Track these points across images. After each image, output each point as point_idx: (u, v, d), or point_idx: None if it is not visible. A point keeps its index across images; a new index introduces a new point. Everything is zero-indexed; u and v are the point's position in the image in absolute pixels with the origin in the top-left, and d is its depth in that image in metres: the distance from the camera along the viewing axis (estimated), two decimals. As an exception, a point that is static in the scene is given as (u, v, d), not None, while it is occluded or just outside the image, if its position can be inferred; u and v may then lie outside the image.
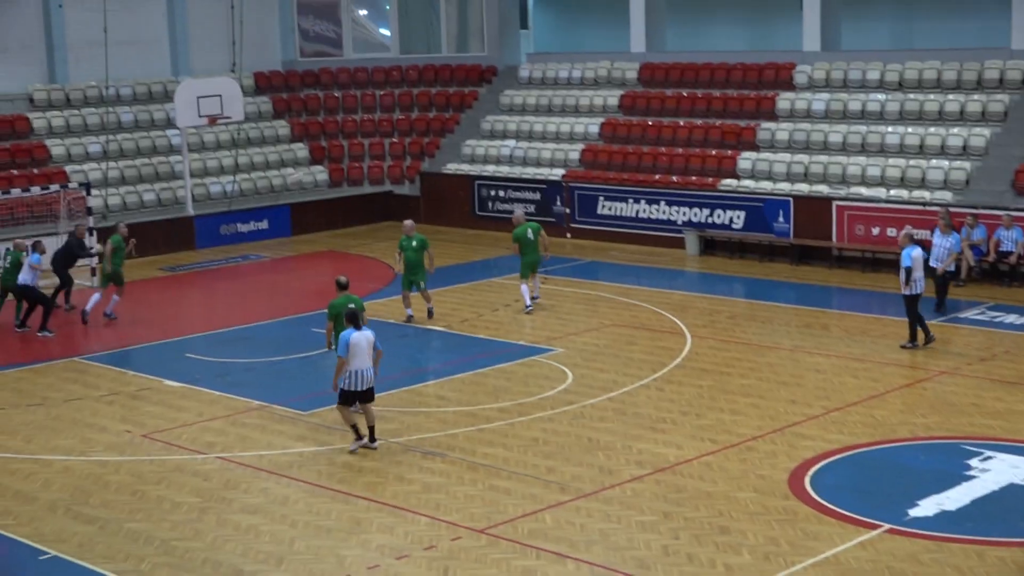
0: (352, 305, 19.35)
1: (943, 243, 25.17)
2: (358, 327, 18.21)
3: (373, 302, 28.00)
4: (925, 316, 23.29)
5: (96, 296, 27.12)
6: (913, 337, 23.02)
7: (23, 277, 25.93)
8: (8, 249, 27.62)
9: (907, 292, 22.85)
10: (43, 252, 26.48)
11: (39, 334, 25.87)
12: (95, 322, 26.74)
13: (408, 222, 26.60)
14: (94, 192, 33.54)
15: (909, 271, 22.65)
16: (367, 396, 18.40)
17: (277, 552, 15.09)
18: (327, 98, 41.99)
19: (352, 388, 18.23)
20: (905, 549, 14.57)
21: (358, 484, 17.22)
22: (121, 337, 26.08)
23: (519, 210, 28.65)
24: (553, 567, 14.41)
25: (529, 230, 26.85)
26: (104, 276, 27.24)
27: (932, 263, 24.98)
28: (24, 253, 26.21)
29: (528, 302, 26.74)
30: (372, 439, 18.56)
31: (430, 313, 26.11)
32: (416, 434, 19.19)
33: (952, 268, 25.63)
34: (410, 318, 25.95)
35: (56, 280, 27.59)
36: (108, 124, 37.34)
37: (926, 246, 24.82)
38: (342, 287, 20.56)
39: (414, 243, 26.02)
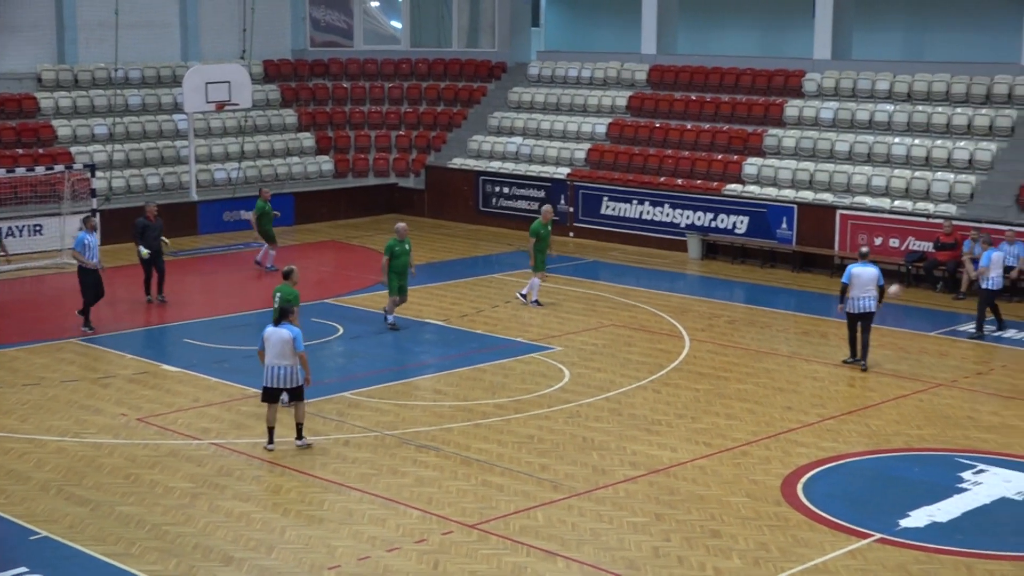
0: (279, 295, 19.56)
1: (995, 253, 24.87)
2: (275, 323, 18.03)
3: (373, 295, 28.04)
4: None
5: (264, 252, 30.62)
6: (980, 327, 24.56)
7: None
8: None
9: (984, 286, 24.38)
10: (93, 229, 25.04)
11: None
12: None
13: (402, 225, 25.30)
14: (99, 174, 33.53)
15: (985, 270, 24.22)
16: (293, 394, 18.10)
17: (268, 540, 15.11)
18: (335, 88, 41.99)
19: (264, 383, 18.11)
20: (894, 559, 14.58)
21: (351, 475, 17.24)
22: (120, 320, 26.08)
23: (548, 206, 28.22)
24: (543, 564, 14.42)
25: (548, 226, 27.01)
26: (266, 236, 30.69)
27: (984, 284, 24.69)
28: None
29: (536, 297, 26.81)
30: (297, 435, 18.26)
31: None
32: (411, 427, 19.20)
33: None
34: (393, 325, 25.07)
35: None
36: (116, 106, 37.35)
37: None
38: (284, 276, 20.50)
39: (407, 247, 24.95)
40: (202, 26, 40.29)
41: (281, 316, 18.03)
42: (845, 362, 22.62)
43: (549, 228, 27.02)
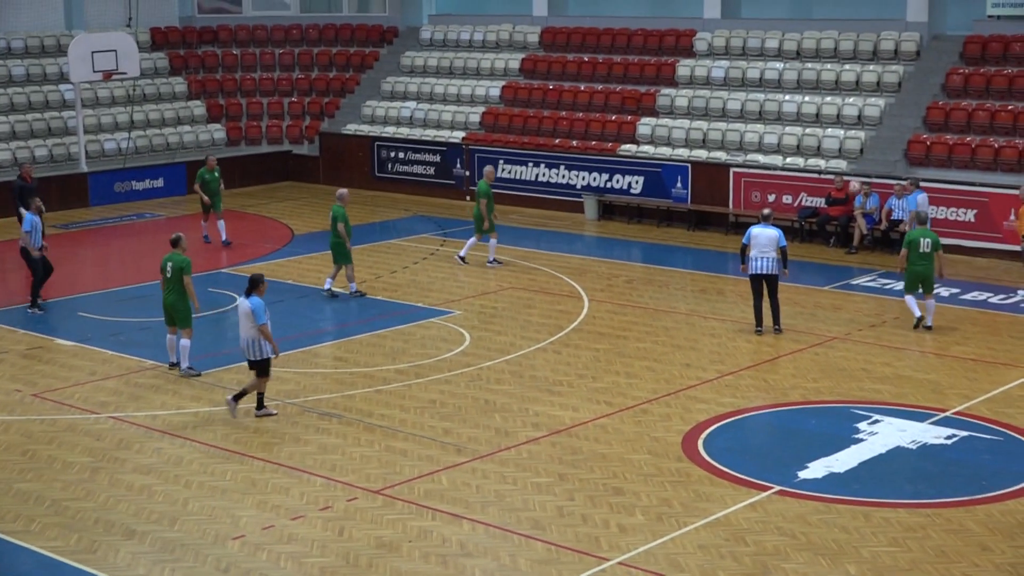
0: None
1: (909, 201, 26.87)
2: (247, 294, 17.99)
3: (271, 263, 27.84)
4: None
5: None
6: None
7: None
8: None
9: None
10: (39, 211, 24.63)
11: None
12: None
13: (344, 191, 25.57)
14: (-16, 147, 32.85)
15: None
16: (254, 366, 18.08)
17: (171, 512, 14.99)
18: (225, 55, 41.45)
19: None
20: (794, 510, 14.84)
21: (254, 445, 17.13)
22: (11, 294, 25.61)
23: (489, 166, 28.78)
24: (449, 528, 14.47)
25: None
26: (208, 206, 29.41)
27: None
28: None
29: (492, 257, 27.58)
30: (232, 397, 18.16)
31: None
32: (313, 395, 19.13)
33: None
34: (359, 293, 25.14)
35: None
36: (-1, 78, 36.58)
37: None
38: (172, 244, 20.05)
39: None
40: (87, -6, 39.54)
41: (251, 286, 18.00)
42: (757, 332, 22.17)
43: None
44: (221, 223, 29.50)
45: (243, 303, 17.98)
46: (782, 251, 21.96)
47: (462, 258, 27.51)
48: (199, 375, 20.10)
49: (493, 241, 27.39)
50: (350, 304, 24.63)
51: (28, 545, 14.18)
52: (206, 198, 29.32)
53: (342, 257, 24.79)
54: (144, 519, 14.81)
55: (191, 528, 14.56)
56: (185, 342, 20.02)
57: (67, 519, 14.84)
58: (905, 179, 27.92)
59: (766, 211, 22.67)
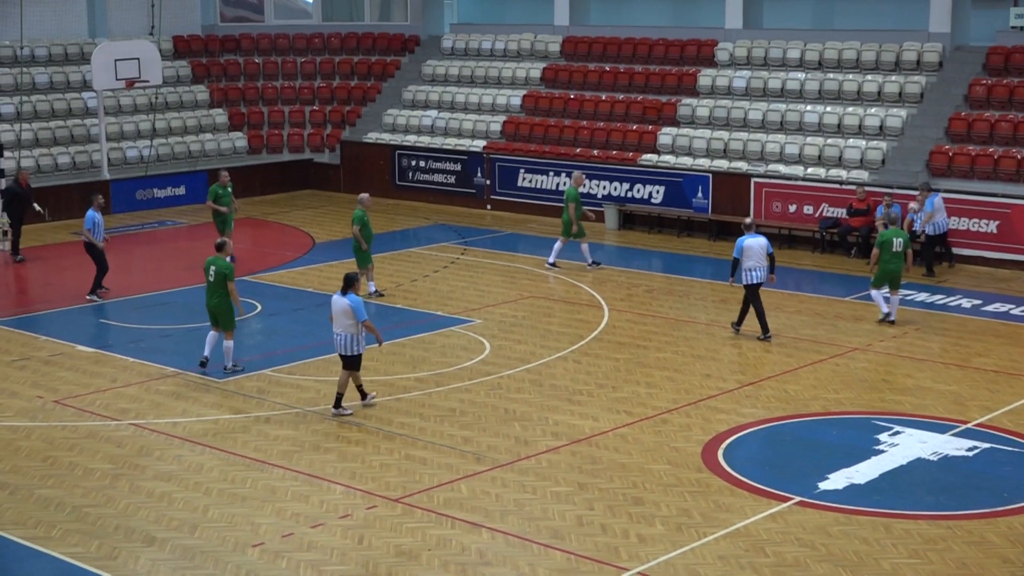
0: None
1: (926, 207, 27.27)
2: (342, 292, 18.44)
3: (291, 271, 27.92)
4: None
5: None
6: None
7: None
8: None
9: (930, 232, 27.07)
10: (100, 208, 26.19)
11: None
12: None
13: (366, 195, 26.01)
14: (6, 154, 32.96)
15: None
16: (345, 362, 18.57)
17: (191, 519, 15.01)
18: (247, 64, 41.58)
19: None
20: (814, 521, 14.79)
21: (273, 453, 17.16)
22: (34, 301, 25.73)
23: (578, 172, 29.57)
24: (468, 536, 14.46)
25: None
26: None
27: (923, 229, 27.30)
28: None
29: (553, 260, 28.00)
30: (335, 404, 18.67)
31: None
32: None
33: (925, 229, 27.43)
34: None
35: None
36: (22, 85, 36.70)
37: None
38: (217, 248, 20.78)
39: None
40: (109, 2, 39.66)
41: (346, 285, 18.42)
42: (767, 338, 22.33)
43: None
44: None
45: (340, 301, 18.41)
46: (771, 257, 22.28)
47: (552, 264, 27.81)
48: (243, 370, 20.57)
49: (585, 245, 27.82)
50: (369, 312, 24.60)
51: (49, 551, 14.22)
52: (223, 208, 28.40)
53: (360, 260, 25.15)
54: (164, 526, 14.84)
55: (211, 535, 14.58)
56: (228, 343, 20.57)
57: (88, 525, 14.88)
58: (916, 188, 27.92)
59: (748, 220, 23.00)
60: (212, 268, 20.35)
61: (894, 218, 23.76)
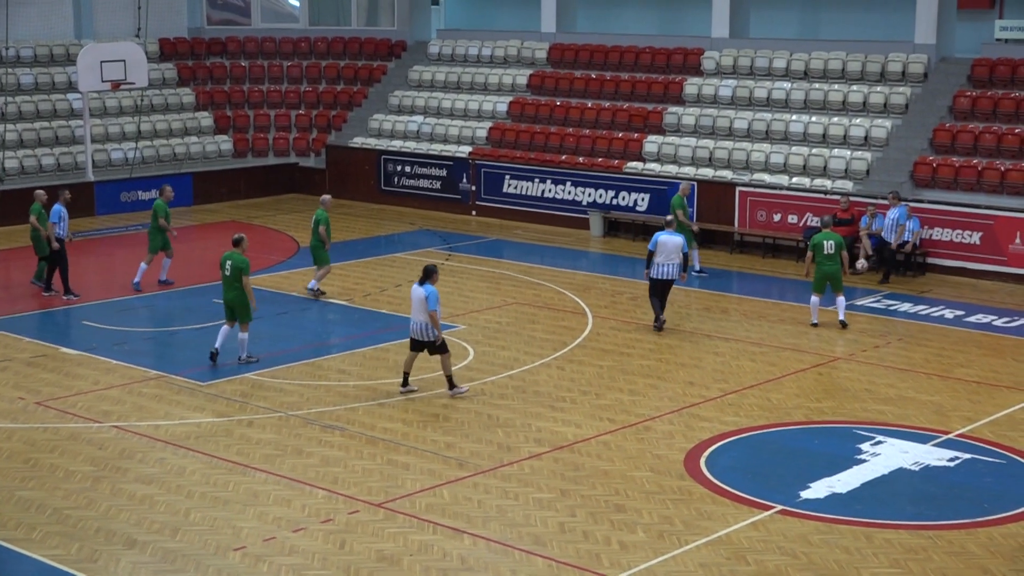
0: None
1: (891, 215, 27.79)
2: (420, 282, 19.25)
3: (275, 274, 27.88)
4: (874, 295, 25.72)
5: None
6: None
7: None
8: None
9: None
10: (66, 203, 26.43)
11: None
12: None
13: (328, 196, 26.75)
14: (-8, 154, 32.94)
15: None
16: (430, 348, 19.39)
17: (172, 522, 14.98)
18: (233, 67, 41.54)
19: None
20: (796, 530, 14.83)
21: (256, 456, 17.13)
22: (16, 303, 25.65)
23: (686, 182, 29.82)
24: (450, 542, 14.46)
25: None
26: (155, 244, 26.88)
27: (885, 236, 27.76)
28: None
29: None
30: (449, 386, 19.54)
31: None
32: (316, 407, 19.13)
33: (902, 239, 27.80)
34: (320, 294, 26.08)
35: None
36: (7, 86, 36.62)
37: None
38: (234, 243, 21.32)
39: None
40: (95, 3, 39.62)
41: (424, 275, 19.28)
42: (655, 327, 23.48)
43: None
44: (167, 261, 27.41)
45: (417, 290, 19.21)
46: (685, 256, 23.42)
47: (700, 271, 28.33)
48: (257, 362, 21.13)
49: (695, 252, 27.97)
50: (353, 317, 24.64)
51: (29, 553, 14.18)
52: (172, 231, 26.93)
53: (321, 260, 25.68)
54: (146, 529, 14.81)
55: (192, 539, 14.55)
56: (243, 335, 21.11)
57: (69, 528, 14.84)
58: (888, 194, 28.14)
59: (669, 217, 24.46)
60: (228, 263, 20.92)
61: (827, 222, 24.13)
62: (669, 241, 23.12)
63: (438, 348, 19.42)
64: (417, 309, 19.25)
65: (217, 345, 21.09)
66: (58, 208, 25.82)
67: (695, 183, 30.75)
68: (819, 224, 24.57)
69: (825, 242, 23.50)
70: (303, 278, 27.32)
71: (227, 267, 20.90)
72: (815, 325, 23.70)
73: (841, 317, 23.72)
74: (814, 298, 23.88)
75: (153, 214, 26.72)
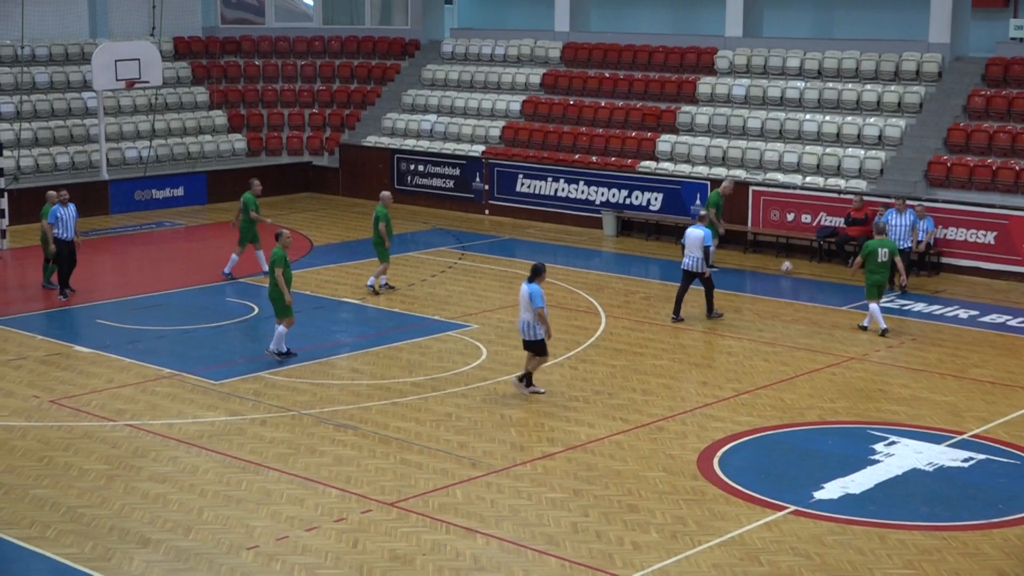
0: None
1: (901, 221, 26.86)
2: (529, 280, 19.17)
3: (289, 273, 27.84)
4: (888, 295, 25.16)
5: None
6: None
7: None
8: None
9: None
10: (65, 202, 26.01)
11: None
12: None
13: (388, 193, 27.10)
14: (6, 153, 32.97)
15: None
16: (528, 346, 19.41)
17: (185, 521, 15.01)
18: (247, 66, 41.59)
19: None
20: (809, 531, 14.80)
21: (269, 455, 17.15)
22: (31, 301, 25.72)
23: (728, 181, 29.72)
24: (463, 541, 14.46)
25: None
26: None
27: (901, 243, 26.54)
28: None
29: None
30: (526, 382, 19.63)
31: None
32: (329, 406, 19.14)
33: (908, 244, 26.94)
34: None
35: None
36: (22, 84, 36.71)
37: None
38: (276, 238, 21.34)
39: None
40: (110, 2, 39.70)
41: (533, 274, 19.22)
42: (674, 320, 24.07)
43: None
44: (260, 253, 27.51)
45: (524, 289, 19.15)
46: (706, 251, 23.68)
47: (712, 267, 28.14)
48: (296, 356, 21.34)
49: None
50: (366, 316, 24.67)
51: (43, 551, 14.22)
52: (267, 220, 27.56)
53: (381, 256, 25.89)
54: (159, 527, 14.84)
55: (205, 537, 14.57)
56: (281, 329, 21.20)
57: (82, 526, 14.87)
58: (895, 200, 27.62)
59: (702, 212, 25.16)
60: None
61: (882, 227, 23.94)
62: (691, 235, 23.63)
63: (537, 349, 19.40)
64: (524, 307, 19.23)
65: (281, 347, 21.37)
66: (55, 209, 25.59)
67: (733, 179, 30.32)
68: (873, 229, 24.26)
69: (880, 249, 23.15)
70: (316, 277, 27.37)
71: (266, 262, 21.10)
72: (885, 331, 23.13)
73: (866, 323, 23.54)
74: (873, 305, 23.29)
75: (244, 207, 27.12)
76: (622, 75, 36.47)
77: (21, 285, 27.44)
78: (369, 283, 26.08)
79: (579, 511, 15.34)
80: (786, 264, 27.94)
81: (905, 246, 26.67)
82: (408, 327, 23.62)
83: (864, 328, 23.48)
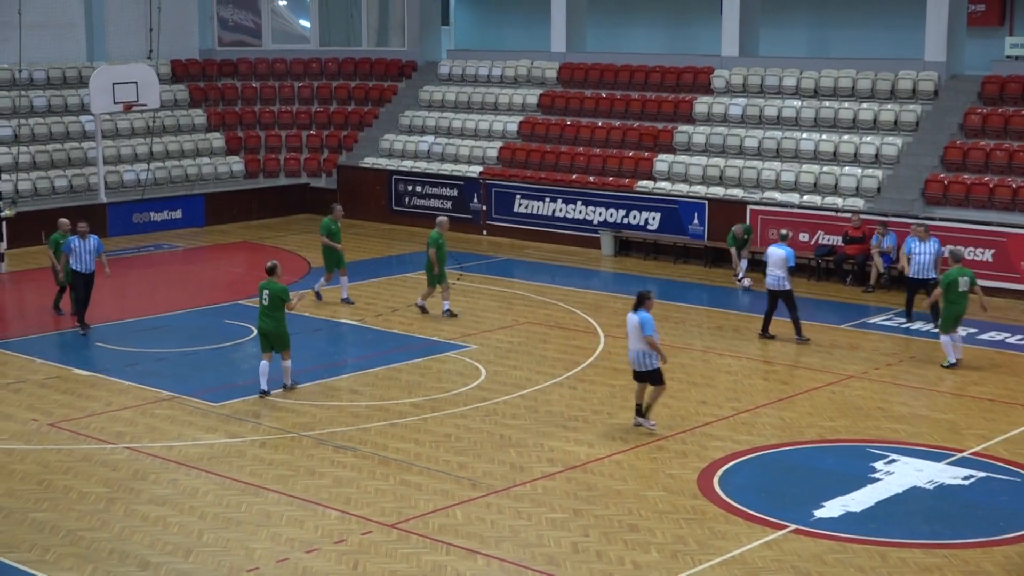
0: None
1: (925, 250, 25.36)
2: (634, 309, 18.82)
3: (287, 295, 27.83)
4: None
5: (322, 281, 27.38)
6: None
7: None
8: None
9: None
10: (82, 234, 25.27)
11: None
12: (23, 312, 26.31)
13: (445, 218, 26.92)
14: (4, 177, 33.01)
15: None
16: (642, 377, 18.86)
17: (185, 544, 14.98)
18: (245, 88, 41.67)
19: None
20: (810, 549, 14.78)
21: (268, 477, 17.13)
22: (30, 324, 25.71)
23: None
24: (463, 563, 14.44)
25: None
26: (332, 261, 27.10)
27: (913, 273, 25.39)
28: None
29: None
30: (642, 412, 19.04)
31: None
32: (328, 428, 19.13)
33: (935, 275, 24.98)
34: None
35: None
36: (20, 108, 36.75)
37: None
38: (268, 272, 20.88)
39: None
40: (108, 26, 39.77)
41: (638, 302, 18.85)
42: (761, 336, 24.36)
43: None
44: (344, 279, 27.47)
45: (632, 317, 18.76)
46: (790, 270, 23.93)
47: (741, 279, 29.20)
48: (299, 385, 21.09)
49: (743, 261, 29.05)
50: (365, 337, 24.66)
51: (43, 575, 14.18)
52: (337, 246, 27.04)
53: (429, 280, 25.99)
54: (159, 550, 14.81)
55: (205, 560, 14.55)
56: (286, 363, 20.84)
57: (82, 549, 14.84)
58: (920, 223, 26.56)
59: (783, 231, 24.84)
60: (266, 292, 20.50)
61: (959, 256, 22.70)
62: (773, 253, 23.92)
63: (655, 380, 18.83)
64: (633, 337, 18.68)
65: (263, 387, 20.56)
66: (72, 240, 24.88)
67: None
68: (949, 257, 22.93)
69: (960, 279, 21.98)
70: (313, 299, 27.33)
71: (265, 296, 20.46)
72: (953, 364, 22.21)
73: (952, 359, 22.24)
74: (944, 338, 22.31)
75: (331, 234, 26.96)
76: (619, 95, 36.54)
77: (20, 308, 27.44)
78: (418, 303, 26.23)
79: (579, 531, 15.32)
80: (747, 280, 28.61)
81: (930, 276, 25.09)
82: (407, 348, 23.61)
83: (954, 364, 22.26)
